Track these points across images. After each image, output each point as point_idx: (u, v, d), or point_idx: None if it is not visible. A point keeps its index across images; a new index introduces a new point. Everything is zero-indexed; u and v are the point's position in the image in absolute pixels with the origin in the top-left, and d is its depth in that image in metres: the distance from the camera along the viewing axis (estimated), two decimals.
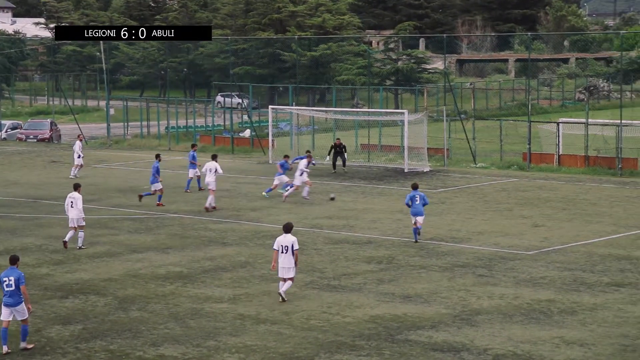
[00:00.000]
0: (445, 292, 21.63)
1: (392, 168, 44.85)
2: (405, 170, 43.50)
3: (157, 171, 33.86)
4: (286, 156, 37.32)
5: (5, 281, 17.39)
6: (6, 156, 51.83)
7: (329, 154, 44.66)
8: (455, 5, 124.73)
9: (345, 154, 44.00)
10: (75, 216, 26.69)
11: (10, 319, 17.54)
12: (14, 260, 17.79)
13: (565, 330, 18.66)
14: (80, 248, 26.71)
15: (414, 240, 27.28)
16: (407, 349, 17.57)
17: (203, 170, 34.18)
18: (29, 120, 68.13)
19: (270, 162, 47.33)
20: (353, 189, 38.53)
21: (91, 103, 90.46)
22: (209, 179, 33.18)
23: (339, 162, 43.76)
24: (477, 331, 18.61)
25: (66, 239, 26.94)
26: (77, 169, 43.05)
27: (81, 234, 26.91)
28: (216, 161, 33.65)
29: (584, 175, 42.06)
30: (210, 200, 32.96)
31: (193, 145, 38.99)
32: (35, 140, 61.11)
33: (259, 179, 41.68)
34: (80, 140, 44.81)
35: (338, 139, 45.09)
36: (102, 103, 78.96)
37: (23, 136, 61.96)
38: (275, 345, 17.83)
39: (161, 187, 34.02)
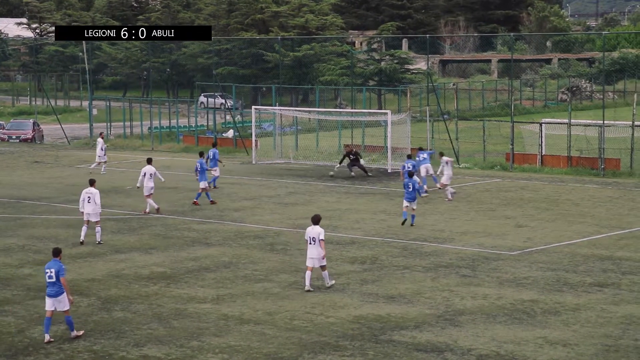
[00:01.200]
0: (429, 293, 21.65)
1: (375, 168, 44.86)
2: (389, 171, 43.55)
3: (204, 165, 34.36)
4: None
5: (48, 272, 18.14)
6: None
7: (340, 163, 42.95)
8: (438, 6, 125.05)
9: (362, 160, 42.65)
10: (92, 211, 27.12)
11: (53, 309, 18.12)
12: (56, 253, 18.46)
13: (548, 330, 18.72)
14: (99, 243, 27.18)
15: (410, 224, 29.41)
16: (391, 349, 17.57)
17: (141, 176, 32.38)
18: (11, 120, 67.84)
19: (254, 162, 47.30)
20: (336, 189, 38.53)
21: (74, 103, 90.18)
22: (150, 184, 31.90)
23: (358, 169, 42.29)
24: (461, 331, 18.63)
25: (82, 237, 27.31)
26: (101, 165, 43.59)
27: (98, 228, 27.42)
28: (152, 164, 32.47)
29: (566, 176, 42.21)
30: (151, 204, 32.08)
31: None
32: (17, 141, 60.87)
33: (242, 179, 41.63)
34: (102, 138, 45.01)
35: (347, 145, 43.85)
36: (85, 103, 78.73)
37: (5, 136, 61.72)
38: (259, 345, 17.81)
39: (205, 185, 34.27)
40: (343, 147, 44.09)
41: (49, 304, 18.15)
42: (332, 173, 36.51)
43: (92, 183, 27.60)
